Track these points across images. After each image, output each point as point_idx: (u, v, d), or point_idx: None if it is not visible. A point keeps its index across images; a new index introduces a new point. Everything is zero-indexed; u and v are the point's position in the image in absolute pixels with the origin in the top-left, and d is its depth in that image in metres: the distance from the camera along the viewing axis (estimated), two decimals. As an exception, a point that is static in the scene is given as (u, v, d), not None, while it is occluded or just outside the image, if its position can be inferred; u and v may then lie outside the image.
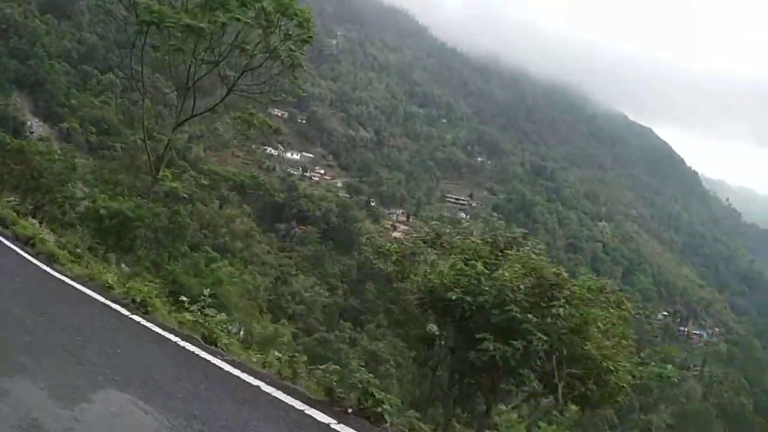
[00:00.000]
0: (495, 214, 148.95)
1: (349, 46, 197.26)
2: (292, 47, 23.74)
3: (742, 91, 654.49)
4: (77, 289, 11.17)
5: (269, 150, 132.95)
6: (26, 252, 14.67)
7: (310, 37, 24.53)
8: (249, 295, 69.47)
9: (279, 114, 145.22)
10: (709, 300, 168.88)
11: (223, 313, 10.25)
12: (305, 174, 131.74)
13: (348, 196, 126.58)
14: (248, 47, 24.47)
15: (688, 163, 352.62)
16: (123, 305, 10.08)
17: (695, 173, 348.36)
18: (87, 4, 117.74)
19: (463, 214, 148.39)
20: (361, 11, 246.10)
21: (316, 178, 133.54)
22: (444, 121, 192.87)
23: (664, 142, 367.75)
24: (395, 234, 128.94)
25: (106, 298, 10.46)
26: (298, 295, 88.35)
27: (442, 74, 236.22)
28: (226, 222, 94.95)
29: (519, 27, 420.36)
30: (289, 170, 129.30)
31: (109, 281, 11.49)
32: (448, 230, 15.10)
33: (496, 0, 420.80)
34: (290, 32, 23.21)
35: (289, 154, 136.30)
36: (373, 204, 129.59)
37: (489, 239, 13.53)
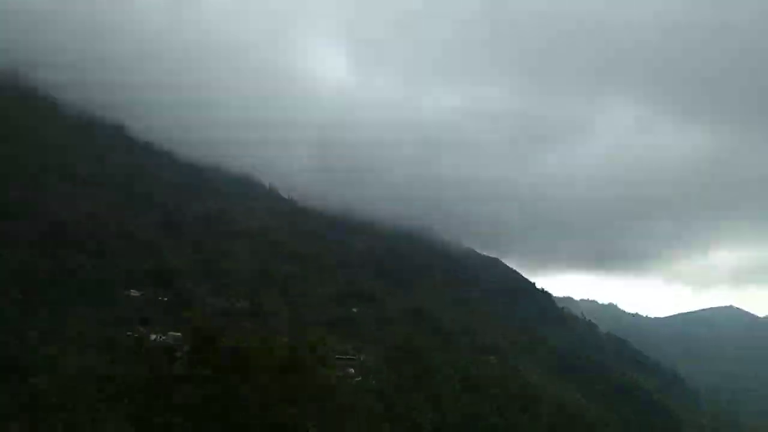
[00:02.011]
0: (386, 364, 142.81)
1: (205, 215, 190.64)
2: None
3: (576, 212, 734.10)
4: None
5: (133, 335, 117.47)
6: None
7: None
8: None
9: (139, 294, 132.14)
10: (600, 419, 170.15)
11: None
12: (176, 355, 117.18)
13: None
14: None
15: (539, 286, 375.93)
16: None
17: (548, 294, 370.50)
18: None
19: (351, 370, 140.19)
20: (209, 180, 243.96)
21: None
22: (313, 277, 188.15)
23: (513, 270, 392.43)
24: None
25: None
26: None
27: (301, 232, 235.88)
28: None
29: (368, 177, 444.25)
30: (155, 354, 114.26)
31: None
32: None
33: (337, 160, 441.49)
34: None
35: (153, 336, 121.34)
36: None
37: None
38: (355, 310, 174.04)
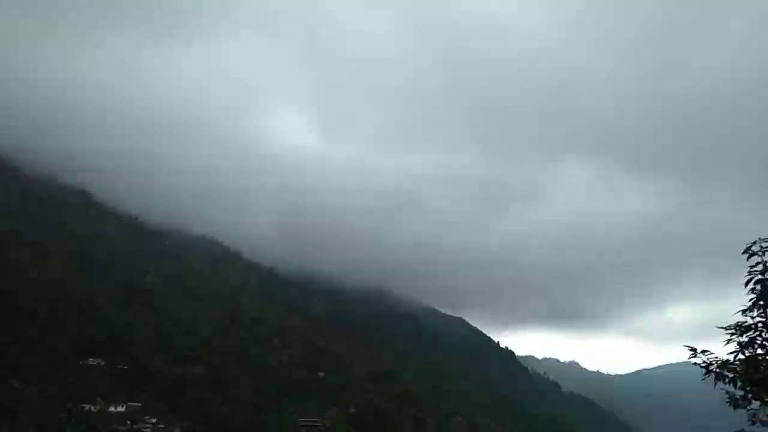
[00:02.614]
0: (353, 430, 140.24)
1: (164, 281, 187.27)
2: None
3: (534, 272, 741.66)
4: None
5: (88, 407, 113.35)
6: None
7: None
8: None
9: (94, 363, 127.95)
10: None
11: None
12: (134, 426, 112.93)
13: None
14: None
15: (502, 344, 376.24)
16: None
17: (512, 352, 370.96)
18: None
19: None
20: (172, 244, 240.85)
21: (148, 429, 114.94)
22: (276, 341, 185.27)
23: (475, 328, 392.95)
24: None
25: None
26: None
27: (264, 295, 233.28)
28: None
29: (332, 241, 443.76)
30: (113, 426, 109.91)
31: None
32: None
33: (301, 218, 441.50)
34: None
35: (112, 408, 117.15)
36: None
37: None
38: (321, 374, 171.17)
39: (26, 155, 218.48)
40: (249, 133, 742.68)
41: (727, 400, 13.44)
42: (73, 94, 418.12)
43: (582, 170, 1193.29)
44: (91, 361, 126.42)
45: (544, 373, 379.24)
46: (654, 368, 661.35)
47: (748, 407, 13.30)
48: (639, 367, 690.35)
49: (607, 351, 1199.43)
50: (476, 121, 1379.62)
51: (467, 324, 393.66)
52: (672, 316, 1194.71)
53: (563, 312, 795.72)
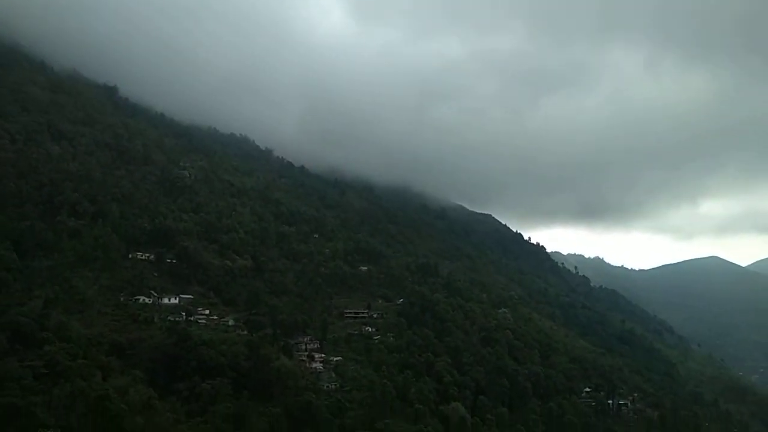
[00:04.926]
0: (403, 320, 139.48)
1: (201, 175, 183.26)
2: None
3: (567, 165, 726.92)
4: None
5: (142, 299, 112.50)
6: None
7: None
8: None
9: (144, 257, 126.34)
10: (612, 366, 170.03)
11: None
12: (190, 318, 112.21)
13: (248, 333, 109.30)
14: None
15: (533, 241, 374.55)
16: None
17: (543, 248, 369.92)
18: None
19: (368, 328, 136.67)
20: (202, 141, 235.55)
21: (203, 321, 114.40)
22: (316, 236, 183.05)
23: (504, 225, 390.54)
24: (314, 365, 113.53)
25: None
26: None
27: (299, 192, 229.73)
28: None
29: (361, 132, 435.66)
30: (169, 318, 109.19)
31: None
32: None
33: (329, 118, 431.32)
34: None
35: (165, 300, 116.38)
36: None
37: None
38: (363, 268, 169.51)
39: (50, 48, 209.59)
40: (278, 19, 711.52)
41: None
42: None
43: (630, 54, 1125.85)
44: (140, 255, 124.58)
45: (575, 268, 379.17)
46: (678, 263, 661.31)
47: None
48: (663, 263, 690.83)
49: (633, 247, 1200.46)
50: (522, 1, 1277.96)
51: (496, 221, 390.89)
52: (703, 211, 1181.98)
53: (591, 207, 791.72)
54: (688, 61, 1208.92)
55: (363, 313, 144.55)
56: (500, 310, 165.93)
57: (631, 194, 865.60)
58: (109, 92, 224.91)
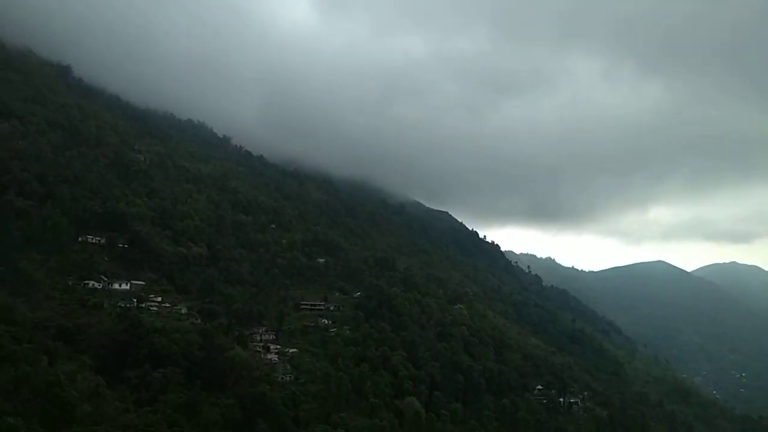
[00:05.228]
0: (360, 313, 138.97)
1: (157, 160, 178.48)
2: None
3: (522, 166, 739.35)
4: None
5: (91, 284, 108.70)
6: None
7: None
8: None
9: (94, 241, 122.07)
10: (563, 364, 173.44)
11: None
12: (141, 305, 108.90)
13: (201, 322, 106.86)
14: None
15: (488, 239, 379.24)
16: None
17: (497, 247, 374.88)
18: None
19: (325, 320, 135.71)
20: (158, 125, 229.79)
21: (155, 308, 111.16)
22: (273, 226, 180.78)
23: (460, 223, 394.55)
24: (269, 356, 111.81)
25: None
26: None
27: (257, 181, 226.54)
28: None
29: (321, 125, 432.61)
30: (120, 304, 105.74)
31: None
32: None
33: (290, 109, 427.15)
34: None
35: (116, 285, 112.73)
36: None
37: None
38: (320, 260, 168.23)
39: (0, 25, 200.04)
40: (242, 7, 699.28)
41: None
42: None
43: (589, 62, 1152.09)
44: (90, 238, 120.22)
45: (528, 267, 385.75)
46: (626, 266, 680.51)
47: None
48: (612, 265, 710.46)
49: (584, 249, 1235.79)
50: (487, 3, 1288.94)
51: (453, 218, 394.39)
52: (652, 217, 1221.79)
53: (545, 209, 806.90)
54: (644, 71, 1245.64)
55: (320, 305, 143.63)
56: (456, 306, 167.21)
57: (583, 198, 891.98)
58: (63, 72, 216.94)
